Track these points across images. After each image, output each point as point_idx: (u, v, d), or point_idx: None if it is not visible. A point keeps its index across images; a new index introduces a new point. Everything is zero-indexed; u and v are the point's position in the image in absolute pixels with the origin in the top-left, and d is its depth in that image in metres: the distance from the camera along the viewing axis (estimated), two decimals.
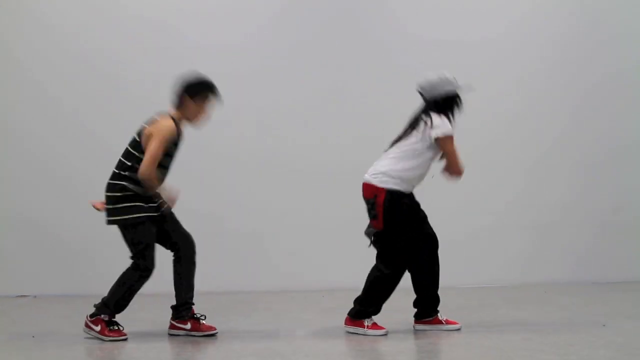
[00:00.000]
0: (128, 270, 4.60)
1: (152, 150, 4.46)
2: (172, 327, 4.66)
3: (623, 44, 7.04)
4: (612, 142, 7.01)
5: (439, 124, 4.62)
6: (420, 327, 4.73)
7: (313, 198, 6.84)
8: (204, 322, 4.61)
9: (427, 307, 4.75)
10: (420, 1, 7.06)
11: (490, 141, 6.95)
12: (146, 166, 4.44)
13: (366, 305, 4.60)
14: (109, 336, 4.49)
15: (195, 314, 4.63)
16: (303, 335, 4.63)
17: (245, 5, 7.01)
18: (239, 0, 7.02)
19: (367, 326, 4.56)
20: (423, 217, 4.79)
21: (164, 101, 7.00)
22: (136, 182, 4.51)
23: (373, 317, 4.63)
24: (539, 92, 7.01)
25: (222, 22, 6.96)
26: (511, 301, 5.85)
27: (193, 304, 4.65)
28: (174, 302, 4.69)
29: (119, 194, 4.53)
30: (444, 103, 4.72)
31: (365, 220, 4.72)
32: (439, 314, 4.74)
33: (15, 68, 6.93)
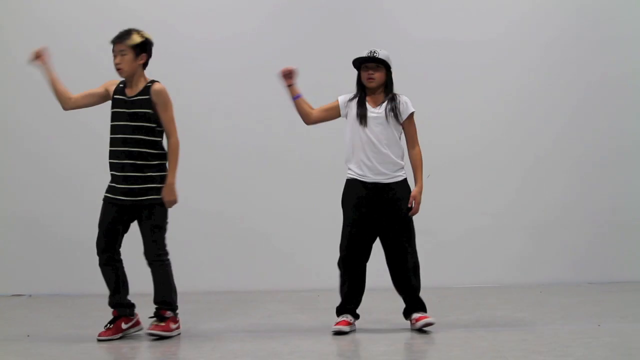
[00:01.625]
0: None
1: None
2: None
3: (622, 44, 7.05)
4: (611, 143, 7.02)
5: (408, 102, 4.82)
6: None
7: (310, 197, 6.83)
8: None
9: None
10: (419, 1, 7.06)
11: (489, 141, 6.96)
12: None
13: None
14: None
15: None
16: (299, 335, 4.62)
17: (243, 3, 7.01)
18: (234, 0, 7.02)
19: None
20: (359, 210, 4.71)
21: (174, 102, 7.02)
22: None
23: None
24: (538, 93, 7.02)
25: (220, 21, 6.97)
26: (508, 301, 5.85)
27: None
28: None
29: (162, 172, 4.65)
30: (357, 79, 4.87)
31: None
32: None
33: (14, 67, 6.90)
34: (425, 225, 6.78)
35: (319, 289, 6.35)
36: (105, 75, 6.77)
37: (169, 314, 4.56)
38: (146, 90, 4.58)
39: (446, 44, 6.94)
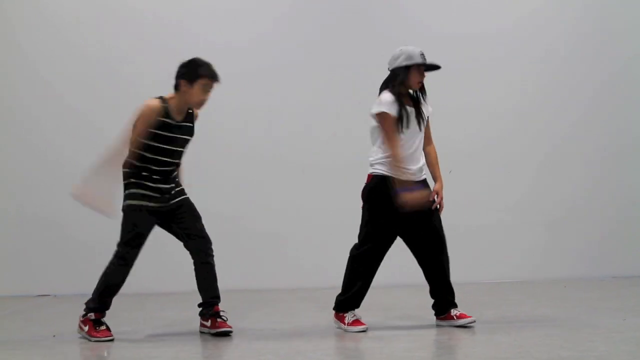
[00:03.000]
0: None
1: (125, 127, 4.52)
2: (200, 324, 4.69)
3: (633, 38, 7.00)
4: (623, 137, 7.00)
5: (377, 102, 4.61)
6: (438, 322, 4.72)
7: (329, 196, 6.85)
8: (223, 321, 4.61)
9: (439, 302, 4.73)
10: None
11: (505, 135, 6.95)
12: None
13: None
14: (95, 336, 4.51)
15: (219, 312, 4.62)
16: (322, 333, 4.63)
17: (255, 4, 7.02)
18: (249, 1, 7.03)
19: (455, 316, 4.63)
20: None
21: None
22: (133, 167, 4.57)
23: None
24: (551, 86, 7.00)
25: (232, 22, 6.99)
26: (530, 296, 5.83)
27: (216, 303, 4.64)
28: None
29: (124, 181, 4.61)
30: (392, 75, 4.72)
31: None
32: (451, 310, 4.70)
33: (24, 67, 6.98)
34: (445, 222, 6.83)
35: (340, 287, 6.35)
36: (116, 75, 6.88)
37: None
38: (189, 114, 4.67)
39: (457, 39, 6.93)
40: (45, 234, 6.88)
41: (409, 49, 4.68)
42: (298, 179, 6.86)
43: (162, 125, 4.51)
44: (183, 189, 4.72)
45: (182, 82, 4.55)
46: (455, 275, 6.58)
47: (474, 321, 4.58)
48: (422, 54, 4.67)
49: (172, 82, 6.49)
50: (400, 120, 4.53)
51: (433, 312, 4.75)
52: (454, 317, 4.65)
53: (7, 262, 6.89)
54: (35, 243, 6.88)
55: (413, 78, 4.65)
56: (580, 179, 6.97)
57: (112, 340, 4.50)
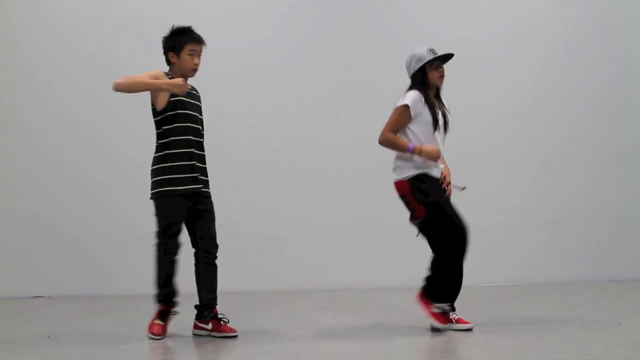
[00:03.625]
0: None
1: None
2: (195, 326, 4.66)
3: (634, 39, 7.02)
4: (624, 139, 7.00)
5: (404, 97, 4.67)
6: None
7: (326, 198, 6.85)
8: (226, 323, 4.60)
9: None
10: None
11: (503, 138, 6.95)
12: None
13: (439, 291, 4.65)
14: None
15: (217, 315, 4.62)
16: (318, 335, 4.63)
17: (255, 4, 7.02)
18: (249, 1, 7.03)
19: (454, 319, 4.62)
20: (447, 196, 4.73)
21: None
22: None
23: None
24: (550, 88, 7.01)
25: (232, 22, 6.99)
26: (526, 299, 5.83)
27: (215, 305, 4.64)
28: (197, 302, 4.69)
29: (153, 167, 4.61)
30: (413, 81, 4.75)
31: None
32: (450, 313, 4.70)
33: (24, 67, 6.98)
34: None
35: (337, 289, 6.35)
36: (115, 76, 6.81)
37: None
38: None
39: (457, 40, 6.91)
40: (41, 235, 6.87)
41: (416, 52, 4.76)
42: (297, 180, 6.86)
43: (173, 94, 4.54)
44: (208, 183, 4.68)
45: (170, 55, 4.64)
46: None
47: (472, 328, 4.58)
48: (431, 50, 4.75)
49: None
50: (434, 123, 4.63)
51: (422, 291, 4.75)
52: (452, 320, 4.65)
53: (2, 263, 6.87)
54: (31, 244, 6.87)
55: (432, 76, 4.71)
56: (580, 179, 6.98)
57: (160, 338, 4.51)
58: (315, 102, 6.92)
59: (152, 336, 4.51)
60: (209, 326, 4.58)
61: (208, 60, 6.98)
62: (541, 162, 7.01)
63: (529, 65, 7.00)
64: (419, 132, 4.64)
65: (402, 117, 4.63)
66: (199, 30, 6.90)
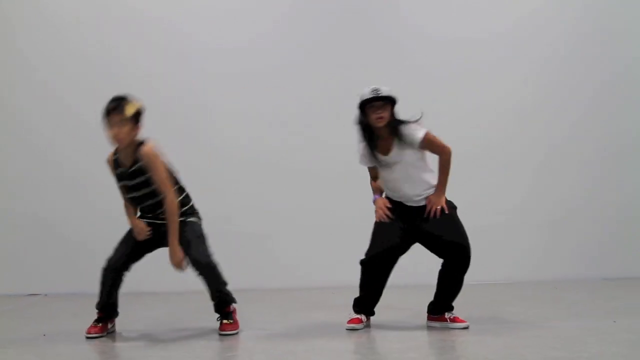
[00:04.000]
0: None
1: None
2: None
3: (634, 39, 7.02)
4: (623, 138, 7.00)
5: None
6: (430, 323, 4.75)
7: (326, 198, 6.85)
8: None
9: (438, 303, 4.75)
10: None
11: (501, 138, 6.95)
12: None
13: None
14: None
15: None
16: (314, 333, 4.63)
17: (254, 5, 7.01)
18: (249, 1, 7.02)
19: (450, 319, 4.71)
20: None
21: (172, 103, 7.07)
22: None
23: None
24: (549, 89, 7.01)
25: (232, 22, 6.98)
26: (522, 298, 5.84)
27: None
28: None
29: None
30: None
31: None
32: (446, 313, 4.73)
33: (23, 67, 6.97)
34: None
35: (333, 287, 6.35)
36: (114, 76, 6.87)
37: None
38: (139, 158, 4.56)
39: (456, 41, 6.94)
40: (37, 233, 6.87)
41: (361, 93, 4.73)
42: (297, 180, 6.85)
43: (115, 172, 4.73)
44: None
45: None
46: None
47: (468, 327, 4.59)
48: (373, 89, 4.67)
49: (171, 81, 6.50)
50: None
51: (426, 310, 4.77)
52: (448, 319, 4.66)
53: None
54: (27, 242, 6.87)
55: (370, 118, 4.68)
56: (580, 180, 6.98)
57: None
58: (315, 102, 6.91)
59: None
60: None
61: (208, 60, 7.03)
62: (541, 162, 7.01)
63: (528, 65, 7.00)
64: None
65: (369, 170, 4.92)
66: (198, 30, 6.97)
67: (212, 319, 5.20)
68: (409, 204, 4.71)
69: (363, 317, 4.76)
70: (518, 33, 7.00)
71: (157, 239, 4.65)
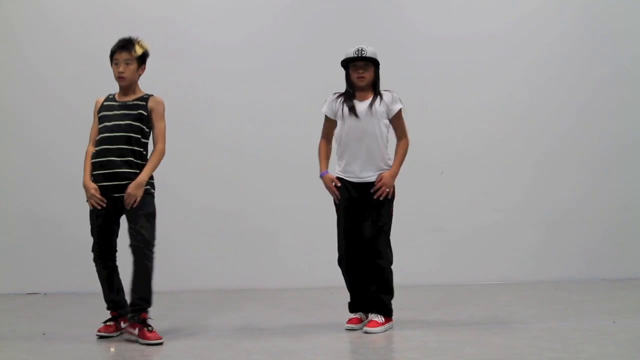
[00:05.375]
0: None
1: None
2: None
3: (632, 39, 7.02)
4: (622, 139, 6.99)
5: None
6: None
7: (323, 196, 6.82)
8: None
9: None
10: None
11: (500, 138, 6.95)
12: None
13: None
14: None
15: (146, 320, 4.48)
16: (313, 332, 4.63)
17: (251, 4, 7.00)
18: (250, 0, 7.01)
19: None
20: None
21: (175, 101, 7.04)
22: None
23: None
24: (547, 88, 7.00)
25: (230, 21, 6.97)
26: (521, 298, 5.84)
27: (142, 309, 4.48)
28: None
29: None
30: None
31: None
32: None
33: (23, 67, 6.96)
34: (437, 223, 6.84)
35: (333, 287, 6.35)
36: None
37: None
38: (144, 98, 4.65)
39: (454, 40, 6.93)
40: (36, 232, 6.86)
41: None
42: (296, 178, 6.83)
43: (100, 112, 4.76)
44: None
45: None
46: (452, 277, 6.66)
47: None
48: (357, 49, 4.77)
49: (172, 80, 6.49)
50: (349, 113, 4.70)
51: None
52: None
53: None
54: (26, 240, 6.86)
55: (352, 76, 4.75)
56: (579, 179, 6.97)
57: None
58: (317, 100, 6.87)
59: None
60: (136, 331, 4.45)
61: (208, 58, 7.03)
62: (540, 162, 7.00)
63: (527, 65, 6.99)
64: (339, 123, 4.74)
65: (325, 124, 4.85)
66: (198, 29, 6.96)
67: (210, 317, 5.21)
68: (355, 180, 4.69)
69: (361, 316, 4.77)
70: (517, 33, 6.99)
71: (115, 210, 4.59)
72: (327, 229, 6.78)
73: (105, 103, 4.70)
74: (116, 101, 4.67)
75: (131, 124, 4.55)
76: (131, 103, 4.61)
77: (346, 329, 4.67)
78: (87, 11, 6.94)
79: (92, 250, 4.71)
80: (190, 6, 7.00)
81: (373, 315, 4.68)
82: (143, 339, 4.36)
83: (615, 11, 7.04)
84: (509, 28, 6.99)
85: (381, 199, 4.62)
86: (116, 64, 4.69)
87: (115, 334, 4.62)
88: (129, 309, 4.52)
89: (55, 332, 4.79)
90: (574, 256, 6.90)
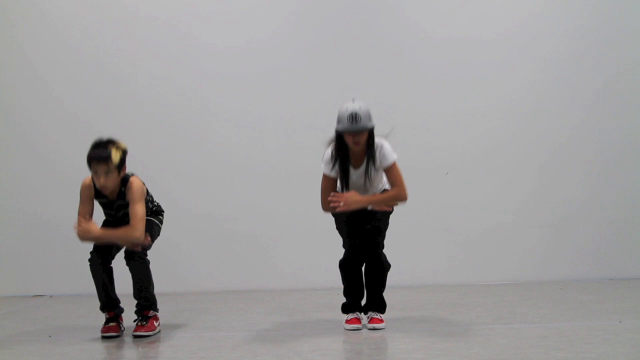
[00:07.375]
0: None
1: None
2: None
3: (637, 39, 6.99)
4: (627, 139, 6.96)
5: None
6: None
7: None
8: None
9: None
10: (432, 0, 7.02)
11: (505, 139, 6.93)
12: None
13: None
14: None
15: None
16: (319, 333, 4.63)
17: (257, 8, 6.99)
18: (251, 3, 7.00)
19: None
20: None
21: (174, 104, 7.06)
22: None
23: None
24: (553, 89, 6.98)
25: (234, 25, 6.94)
26: (527, 298, 5.83)
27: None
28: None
29: None
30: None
31: None
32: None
33: (23, 68, 6.97)
34: (444, 224, 6.83)
35: (338, 288, 6.35)
36: (115, 77, 6.88)
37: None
38: (122, 192, 4.65)
39: (458, 42, 6.92)
40: (41, 234, 6.87)
41: (339, 111, 4.63)
42: (298, 182, 6.82)
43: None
44: None
45: None
46: (458, 278, 6.64)
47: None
48: (351, 116, 4.54)
49: (170, 83, 6.47)
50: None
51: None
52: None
53: (4, 262, 6.88)
54: (32, 243, 6.87)
55: (347, 141, 4.63)
56: (585, 180, 6.94)
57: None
58: (319, 105, 6.89)
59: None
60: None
61: (208, 60, 7.03)
62: (545, 163, 6.98)
63: (532, 66, 6.96)
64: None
65: (328, 183, 4.74)
66: (201, 31, 6.96)
67: (215, 318, 5.22)
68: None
69: (359, 316, 4.79)
70: (521, 35, 6.97)
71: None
72: (330, 232, 6.80)
73: (98, 199, 4.75)
74: (106, 198, 4.71)
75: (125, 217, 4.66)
76: (119, 204, 4.70)
77: (349, 329, 4.66)
78: (87, 12, 6.94)
79: (91, 252, 4.75)
80: (190, 7, 6.97)
81: (373, 312, 4.77)
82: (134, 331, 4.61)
83: (618, 13, 7.01)
84: (513, 30, 6.97)
85: (336, 210, 4.59)
86: (95, 173, 4.53)
87: (119, 333, 4.65)
88: (122, 308, 4.74)
89: (62, 334, 4.80)
90: (581, 256, 6.88)
